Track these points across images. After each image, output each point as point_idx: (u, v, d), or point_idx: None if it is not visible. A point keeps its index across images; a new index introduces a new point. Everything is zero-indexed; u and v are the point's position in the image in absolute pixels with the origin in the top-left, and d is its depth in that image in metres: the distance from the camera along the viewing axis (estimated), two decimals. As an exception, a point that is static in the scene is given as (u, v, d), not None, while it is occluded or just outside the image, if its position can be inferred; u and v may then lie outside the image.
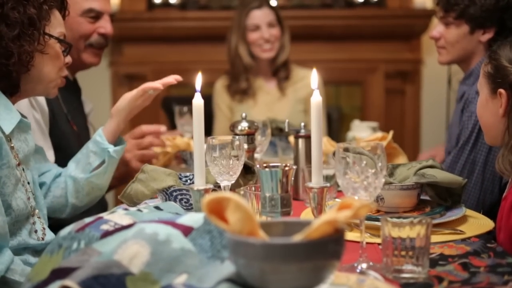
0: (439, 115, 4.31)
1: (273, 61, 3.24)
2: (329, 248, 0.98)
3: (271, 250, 0.96)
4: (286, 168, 1.33)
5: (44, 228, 1.70)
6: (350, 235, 1.49)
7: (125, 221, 1.25)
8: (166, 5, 4.35)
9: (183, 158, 2.47)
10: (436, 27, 2.42)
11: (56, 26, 1.70)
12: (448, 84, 4.22)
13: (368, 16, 4.29)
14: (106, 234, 1.20)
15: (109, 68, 4.38)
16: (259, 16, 3.18)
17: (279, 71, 3.27)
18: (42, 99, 2.11)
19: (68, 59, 1.77)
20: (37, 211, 1.69)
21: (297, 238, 0.98)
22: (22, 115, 1.69)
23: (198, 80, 1.44)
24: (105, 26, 2.39)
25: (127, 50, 4.36)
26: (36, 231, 1.66)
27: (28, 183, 1.67)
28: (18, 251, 1.61)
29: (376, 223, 1.53)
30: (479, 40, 2.32)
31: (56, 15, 1.72)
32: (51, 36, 1.68)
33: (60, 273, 1.14)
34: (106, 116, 4.31)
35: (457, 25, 2.33)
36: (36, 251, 1.65)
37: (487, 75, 1.76)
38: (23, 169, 1.66)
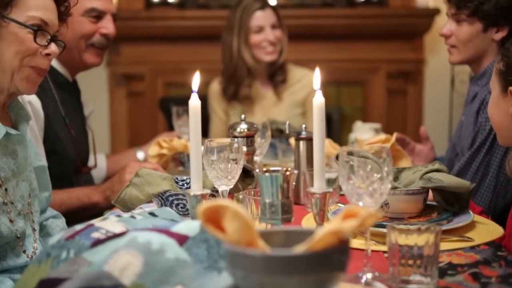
0: (442, 116, 4.26)
1: (272, 64, 3.15)
2: (334, 260, 0.92)
3: (271, 262, 0.90)
4: (287, 173, 1.27)
5: (36, 246, 1.60)
6: (354, 243, 1.42)
7: (117, 228, 1.18)
8: (164, 3, 4.30)
9: (180, 161, 2.41)
10: (446, 25, 2.35)
11: (26, 9, 1.50)
12: (451, 84, 4.17)
13: (369, 15, 4.24)
14: (97, 242, 1.13)
15: (106, 68, 4.33)
16: (263, 18, 3.08)
17: (276, 75, 3.17)
18: (37, 104, 2.04)
19: (51, 49, 1.55)
20: (28, 229, 1.58)
21: (300, 249, 0.92)
22: (27, 114, 1.59)
23: (196, 80, 1.37)
24: (107, 26, 2.32)
25: (125, 50, 4.31)
26: (24, 251, 1.56)
27: (12, 203, 1.53)
28: (1, 272, 1.52)
29: (381, 229, 1.46)
30: (492, 39, 2.26)
31: None
32: (10, 19, 1.47)
33: (48, 284, 1.08)
34: (103, 116, 4.33)
35: (470, 23, 2.26)
36: (23, 267, 1.55)
37: (499, 73, 1.72)
38: (5, 190, 1.52)
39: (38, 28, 1.53)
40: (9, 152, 1.55)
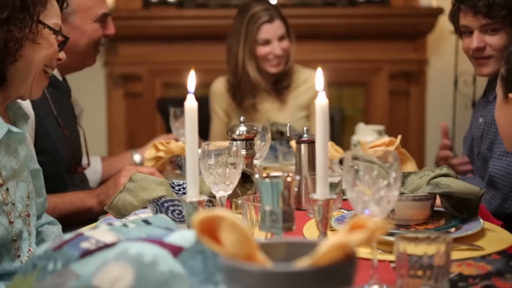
0: (445, 117, 4.19)
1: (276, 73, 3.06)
2: (340, 275, 0.85)
3: (272, 278, 0.83)
4: (288, 179, 1.19)
5: (30, 250, 1.55)
6: (359, 251, 1.35)
7: (108, 238, 1.11)
8: (162, 3, 4.23)
9: (177, 164, 2.34)
10: (474, 37, 2.26)
11: (52, 15, 1.55)
12: (454, 85, 4.11)
13: (371, 15, 4.17)
14: (86, 253, 1.06)
15: (103, 68, 4.26)
16: (270, 31, 2.96)
17: (280, 81, 3.08)
18: (27, 104, 1.98)
19: (62, 55, 1.62)
20: (25, 233, 1.54)
21: (303, 263, 0.85)
22: (25, 113, 1.56)
23: (191, 80, 1.30)
24: (110, 27, 2.35)
25: (122, 50, 4.24)
26: (19, 256, 1.51)
27: (13, 203, 1.50)
28: None
29: (388, 237, 1.39)
30: None
31: (53, 4, 1.56)
32: (45, 25, 1.51)
33: (34, 298, 1.02)
34: (100, 117, 4.26)
35: (505, 30, 2.21)
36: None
37: (501, 78, 1.67)
38: (6, 189, 1.49)
39: (62, 34, 1.59)
40: (11, 151, 1.52)
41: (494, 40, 2.23)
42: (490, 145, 2.19)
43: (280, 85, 3.09)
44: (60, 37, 1.59)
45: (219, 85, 3.15)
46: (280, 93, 3.10)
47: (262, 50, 2.97)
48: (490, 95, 2.28)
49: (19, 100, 1.71)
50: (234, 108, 3.10)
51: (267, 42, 2.97)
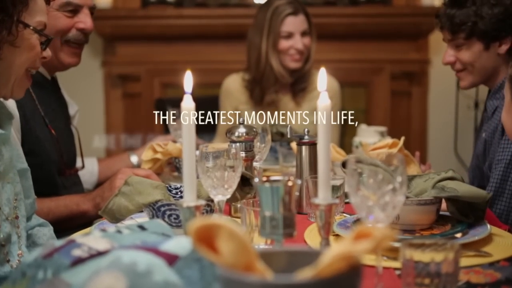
0: (447, 118, 4.16)
1: (296, 70, 2.99)
2: (344, 287, 0.80)
3: (272, 290, 0.78)
4: (290, 184, 1.14)
5: (21, 253, 1.50)
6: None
7: (101, 245, 1.06)
8: (161, 2, 4.20)
9: (175, 166, 2.29)
10: (447, 51, 2.27)
11: (35, 13, 1.48)
12: (456, 86, 4.07)
13: (373, 14, 4.13)
14: (78, 261, 1.02)
15: (101, 68, 4.22)
16: (294, 24, 2.92)
17: (298, 82, 3.02)
18: (12, 104, 1.92)
19: (47, 53, 1.54)
20: (14, 236, 1.50)
21: (305, 274, 0.80)
22: (9, 113, 1.53)
23: (188, 80, 1.25)
24: (84, 20, 2.17)
25: (121, 50, 4.20)
26: (8, 261, 1.47)
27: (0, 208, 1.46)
28: None
29: (393, 243, 1.34)
30: (497, 54, 2.18)
31: (37, 1, 1.49)
32: (26, 25, 1.44)
33: (22, 308, 0.97)
34: (98, 118, 4.22)
35: (469, 45, 2.19)
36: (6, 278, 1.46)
37: (509, 79, 1.63)
38: None
39: (44, 34, 1.51)
40: None
41: (461, 55, 2.22)
42: (490, 165, 2.14)
43: (297, 86, 3.03)
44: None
45: (234, 82, 3.08)
46: (296, 95, 3.04)
47: (284, 44, 2.93)
48: (489, 110, 2.23)
49: (1, 99, 1.67)
50: (250, 107, 3.02)
51: (289, 35, 2.92)
